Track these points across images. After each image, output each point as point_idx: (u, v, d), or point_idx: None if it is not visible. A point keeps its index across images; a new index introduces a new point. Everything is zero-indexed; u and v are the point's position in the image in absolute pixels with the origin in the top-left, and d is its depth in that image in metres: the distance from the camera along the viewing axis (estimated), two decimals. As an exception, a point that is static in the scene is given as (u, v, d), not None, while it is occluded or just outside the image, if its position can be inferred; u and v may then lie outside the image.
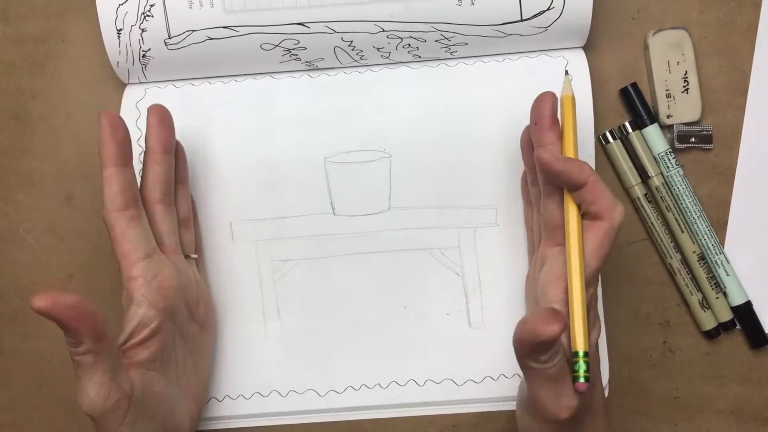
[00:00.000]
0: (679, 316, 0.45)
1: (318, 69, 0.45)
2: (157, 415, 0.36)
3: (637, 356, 0.45)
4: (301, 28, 0.42)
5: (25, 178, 0.46)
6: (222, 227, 0.44)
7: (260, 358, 0.44)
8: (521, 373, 0.35)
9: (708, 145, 0.44)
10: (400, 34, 0.42)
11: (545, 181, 0.37)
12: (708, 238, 0.44)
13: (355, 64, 0.44)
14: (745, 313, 0.44)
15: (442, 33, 0.42)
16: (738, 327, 0.45)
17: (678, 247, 0.44)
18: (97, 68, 0.45)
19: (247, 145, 0.44)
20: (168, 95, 0.44)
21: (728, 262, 0.44)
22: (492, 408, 0.44)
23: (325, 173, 0.44)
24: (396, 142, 0.44)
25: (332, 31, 0.42)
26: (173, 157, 0.40)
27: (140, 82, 0.45)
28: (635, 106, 0.44)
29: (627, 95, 0.44)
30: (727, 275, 0.44)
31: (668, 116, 0.44)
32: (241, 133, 0.44)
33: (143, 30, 0.42)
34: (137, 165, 0.40)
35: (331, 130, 0.44)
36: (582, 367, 0.34)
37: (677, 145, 0.44)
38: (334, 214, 0.44)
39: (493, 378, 0.43)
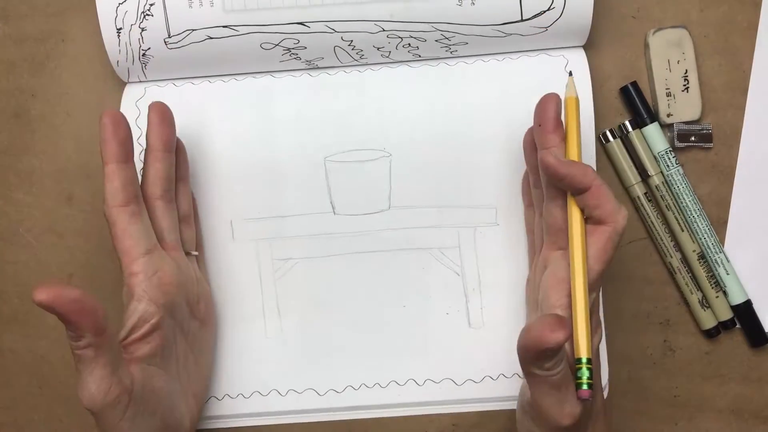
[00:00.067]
0: (679, 315, 0.45)
1: (318, 68, 0.45)
2: (158, 410, 0.36)
3: (637, 355, 0.45)
4: (301, 28, 0.42)
5: (25, 177, 0.46)
6: (222, 226, 0.44)
7: (260, 357, 0.44)
8: (521, 374, 0.35)
9: (708, 144, 0.44)
10: (400, 34, 0.42)
11: (548, 183, 0.37)
12: (708, 237, 0.44)
13: (355, 63, 0.44)
14: (744, 312, 0.44)
15: (443, 33, 0.42)
16: (738, 326, 0.45)
17: (678, 246, 0.44)
18: (97, 67, 0.45)
19: (247, 144, 0.44)
20: (168, 94, 0.44)
21: (728, 261, 0.44)
22: (492, 407, 0.44)
23: (325, 172, 0.44)
24: (396, 141, 0.44)
25: (332, 31, 0.42)
26: (174, 155, 0.40)
27: (140, 81, 0.45)
28: (635, 104, 0.44)
29: (627, 94, 0.44)
30: (727, 274, 0.44)
31: (668, 115, 0.44)
32: (241, 132, 0.44)
33: (143, 29, 0.42)
34: (137, 164, 0.40)
35: (331, 129, 0.44)
36: (585, 374, 0.34)
37: (677, 143, 0.44)
38: (334, 213, 0.44)
39: (492, 378, 0.43)
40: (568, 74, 0.39)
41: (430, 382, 0.43)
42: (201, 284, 0.42)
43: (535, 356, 0.32)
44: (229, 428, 0.44)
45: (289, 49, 0.43)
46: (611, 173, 0.45)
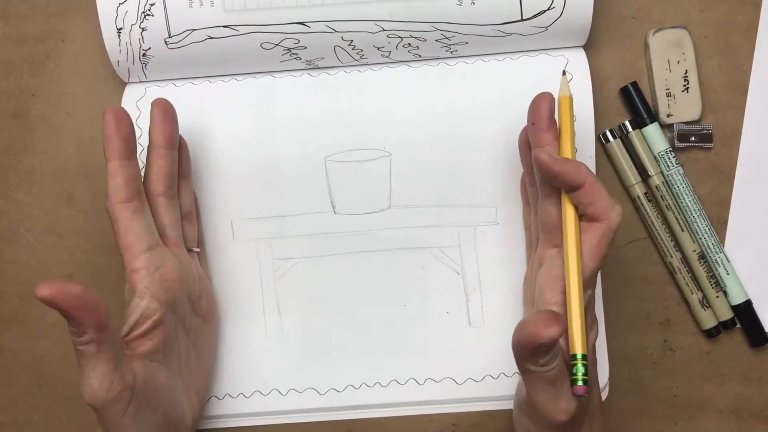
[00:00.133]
0: (679, 315, 0.45)
1: (318, 68, 0.45)
2: (160, 406, 0.36)
3: (637, 355, 0.45)
4: (301, 28, 0.42)
5: (25, 177, 0.46)
6: (222, 226, 0.44)
7: (260, 357, 0.44)
8: (521, 372, 0.35)
9: (708, 144, 0.44)
10: (401, 34, 0.42)
11: (543, 182, 0.37)
12: (708, 237, 0.44)
13: (356, 63, 0.44)
14: (745, 311, 0.44)
15: (443, 32, 0.42)
16: (738, 326, 0.45)
17: (678, 246, 0.44)
18: (98, 67, 0.45)
19: (247, 144, 0.44)
20: (168, 94, 0.44)
21: (728, 261, 0.44)
22: (492, 407, 0.44)
23: (325, 172, 0.44)
24: (396, 141, 0.44)
25: (332, 31, 0.42)
26: (176, 152, 0.40)
27: (140, 81, 0.45)
28: (635, 105, 0.44)
29: (627, 94, 0.44)
30: (727, 274, 0.44)
31: (668, 115, 0.44)
32: (241, 132, 0.44)
33: (143, 29, 0.42)
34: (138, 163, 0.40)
35: (332, 129, 0.44)
36: (580, 370, 0.34)
37: (677, 144, 0.44)
38: (335, 212, 0.44)
39: (493, 376, 0.43)
40: (561, 74, 0.39)
41: (431, 381, 0.43)
42: (203, 281, 0.42)
43: (530, 352, 0.32)
44: (230, 428, 0.44)
45: (289, 49, 0.43)
46: (611, 173, 0.45)
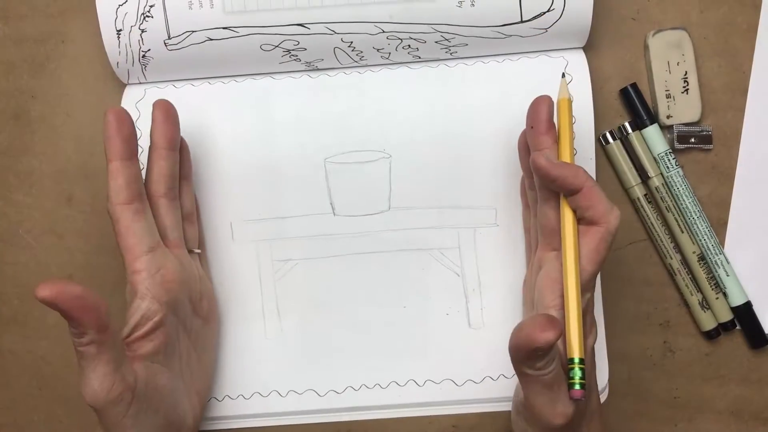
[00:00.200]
0: (679, 317, 0.45)
1: (318, 69, 0.45)
2: (161, 407, 0.36)
3: (637, 356, 0.45)
4: (301, 29, 0.42)
5: (25, 178, 0.46)
6: (222, 227, 0.44)
7: (260, 358, 0.44)
8: (519, 376, 0.35)
9: (708, 145, 0.44)
10: (400, 35, 0.42)
11: (541, 185, 0.37)
12: (708, 238, 0.44)
13: (355, 64, 0.44)
14: (745, 313, 0.44)
15: (442, 34, 0.42)
16: (738, 327, 0.45)
17: (678, 248, 0.44)
18: (97, 68, 0.45)
19: (247, 145, 0.44)
20: (168, 95, 0.44)
21: (728, 263, 0.44)
22: (492, 408, 0.44)
23: (325, 173, 0.44)
24: (396, 143, 0.44)
25: (332, 32, 0.42)
26: (178, 153, 0.40)
27: (140, 83, 0.45)
28: (635, 106, 0.44)
29: (627, 96, 0.44)
30: (727, 275, 0.44)
31: (668, 117, 0.44)
32: (240, 133, 0.44)
33: (143, 30, 0.42)
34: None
35: (331, 131, 0.44)
36: (577, 374, 0.34)
37: (677, 145, 0.44)
38: (334, 214, 0.44)
39: (492, 378, 0.43)
40: (561, 76, 0.39)
41: (431, 382, 0.43)
42: (203, 282, 0.42)
43: (526, 355, 0.32)
44: (229, 429, 0.44)
45: (288, 51, 0.43)
46: (611, 175, 0.45)
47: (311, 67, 0.44)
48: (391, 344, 0.44)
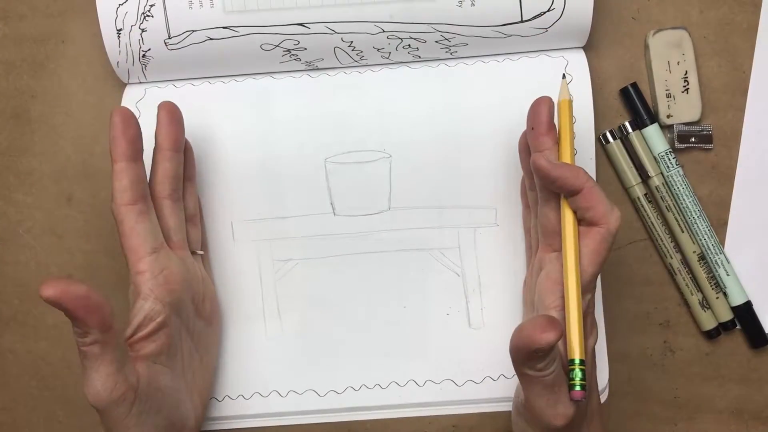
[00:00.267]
0: (679, 316, 0.45)
1: (318, 69, 0.45)
2: (163, 408, 0.36)
3: (637, 356, 0.45)
4: (301, 29, 0.42)
5: (25, 178, 0.46)
6: (223, 227, 0.44)
7: (260, 358, 0.44)
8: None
9: (708, 145, 0.44)
10: (400, 35, 0.42)
11: (542, 186, 0.37)
12: (708, 238, 0.44)
13: (355, 64, 0.44)
14: (745, 313, 0.44)
15: (443, 34, 0.42)
16: (738, 327, 0.45)
17: (678, 247, 0.44)
18: (97, 68, 0.45)
19: (247, 145, 0.44)
20: (168, 95, 0.44)
21: (728, 262, 0.44)
22: (492, 408, 0.44)
23: (325, 173, 0.44)
24: (396, 142, 0.44)
25: (332, 32, 0.42)
26: (182, 154, 0.40)
27: (140, 82, 0.45)
28: (635, 106, 0.44)
29: (627, 95, 0.44)
30: (727, 275, 0.44)
31: (668, 116, 0.44)
32: (241, 133, 0.44)
33: (143, 30, 0.42)
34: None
35: (331, 130, 0.44)
36: (578, 375, 0.34)
37: (677, 145, 0.44)
38: (335, 214, 0.44)
39: (493, 378, 0.43)
40: (561, 77, 0.39)
41: (431, 382, 0.43)
42: (206, 283, 0.42)
43: (527, 356, 0.32)
44: (229, 429, 0.44)
45: (289, 50, 0.43)
46: (611, 174, 0.45)
47: (311, 67, 0.44)
48: (391, 344, 0.44)
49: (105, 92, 0.45)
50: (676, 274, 0.44)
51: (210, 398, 0.43)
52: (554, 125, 0.37)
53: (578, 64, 0.43)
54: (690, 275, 0.44)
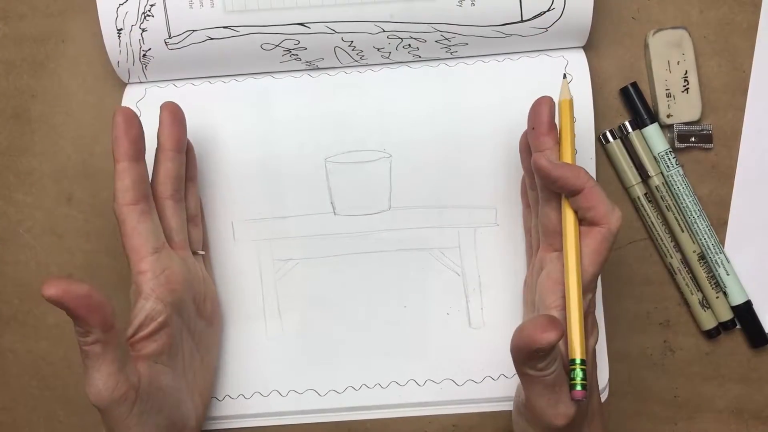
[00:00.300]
0: (679, 316, 0.45)
1: (318, 69, 0.45)
2: (164, 407, 0.36)
3: (637, 356, 0.45)
4: (301, 29, 0.42)
5: (25, 178, 0.46)
6: (223, 227, 0.44)
7: (260, 358, 0.44)
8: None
9: (708, 144, 0.44)
10: (401, 35, 0.42)
11: (543, 186, 0.37)
12: (708, 237, 0.44)
13: (356, 64, 0.44)
14: (745, 312, 0.44)
15: (443, 33, 0.42)
16: (738, 326, 0.45)
17: (678, 247, 0.44)
18: (97, 68, 0.45)
19: (247, 145, 0.44)
20: (168, 95, 0.44)
21: (728, 262, 0.44)
22: (492, 408, 0.44)
23: (325, 173, 0.44)
24: (396, 142, 0.44)
25: (332, 32, 0.42)
26: (184, 155, 0.40)
27: (140, 82, 0.45)
28: (635, 105, 0.44)
29: (627, 95, 0.44)
30: (727, 275, 0.44)
31: (668, 116, 0.44)
32: (241, 133, 0.44)
33: (143, 30, 0.42)
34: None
35: (332, 130, 0.44)
36: (579, 375, 0.34)
37: (677, 144, 0.44)
38: (335, 213, 0.44)
39: (493, 378, 0.43)
40: (562, 77, 0.39)
41: (431, 382, 0.43)
42: (207, 284, 0.42)
43: (527, 356, 0.32)
44: (230, 429, 0.44)
45: (289, 50, 0.43)
46: (611, 174, 0.45)
47: (312, 67, 0.44)
48: (391, 344, 0.44)
49: (105, 92, 0.45)
50: (676, 274, 0.44)
51: (211, 398, 0.43)
52: (555, 125, 0.37)
53: (578, 63, 0.43)
54: (690, 275, 0.44)
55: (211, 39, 0.42)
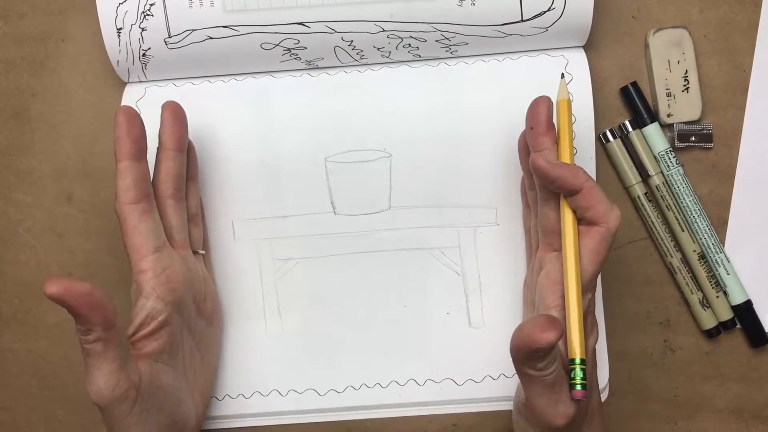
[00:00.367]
0: (679, 315, 0.45)
1: (318, 68, 0.45)
2: (165, 406, 0.36)
3: (637, 355, 0.45)
4: (301, 28, 0.42)
5: (25, 177, 0.46)
6: (223, 226, 0.44)
7: (260, 358, 0.44)
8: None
9: (708, 144, 0.44)
10: (401, 34, 0.42)
11: (541, 186, 0.37)
12: (708, 237, 0.44)
13: (356, 63, 0.44)
14: (745, 312, 0.44)
15: (443, 33, 0.42)
16: (738, 326, 0.45)
17: (678, 246, 0.44)
18: (97, 67, 0.45)
19: (247, 144, 0.44)
20: (168, 94, 0.44)
21: (728, 261, 0.44)
22: (492, 408, 0.44)
23: (325, 172, 0.44)
24: (396, 141, 0.44)
25: (332, 31, 0.42)
26: (185, 154, 0.40)
27: (140, 81, 0.45)
28: (635, 105, 0.44)
29: (627, 94, 0.44)
30: (728, 274, 0.44)
31: (668, 115, 0.44)
32: (241, 132, 0.44)
33: (143, 29, 0.42)
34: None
35: (332, 130, 0.44)
36: (579, 374, 0.34)
37: (677, 144, 0.44)
38: (335, 213, 0.44)
39: (493, 377, 0.43)
40: (560, 77, 0.39)
41: (431, 382, 0.43)
42: (208, 283, 0.42)
43: (527, 356, 0.32)
44: (230, 428, 0.44)
45: (289, 50, 0.43)
46: (611, 173, 0.45)
47: (312, 66, 0.44)
48: (391, 343, 0.44)
49: (105, 91, 0.45)
50: (676, 273, 0.44)
51: (211, 397, 0.43)
52: (553, 125, 0.37)
53: (578, 63, 0.43)
54: (690, 274, 0.44)
55: (211, 38, 0.42)
